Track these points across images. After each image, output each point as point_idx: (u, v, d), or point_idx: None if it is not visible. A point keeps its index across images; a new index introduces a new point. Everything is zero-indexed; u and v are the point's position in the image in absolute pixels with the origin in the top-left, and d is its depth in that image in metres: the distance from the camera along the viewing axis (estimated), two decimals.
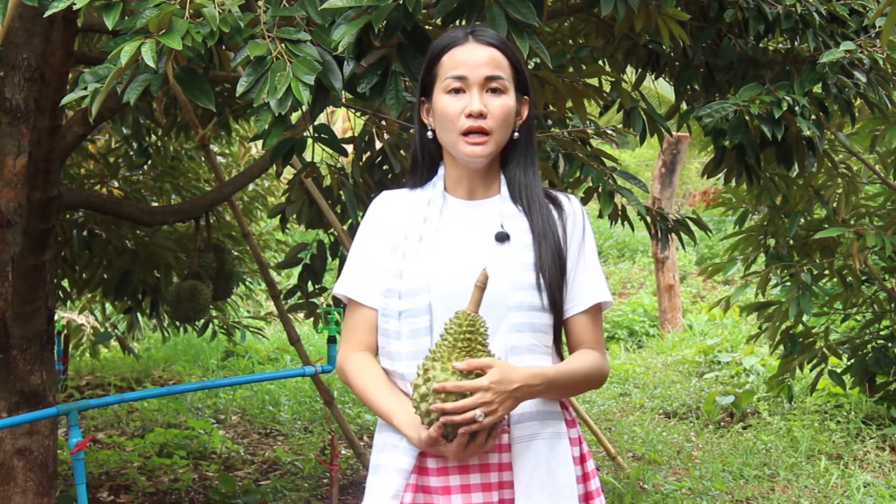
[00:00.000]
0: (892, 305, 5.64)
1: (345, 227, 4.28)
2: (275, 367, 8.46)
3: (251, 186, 5.78)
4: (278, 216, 4.22)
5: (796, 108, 3.40)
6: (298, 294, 4.64)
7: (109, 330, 7.08)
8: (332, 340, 3.93)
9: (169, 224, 4.75)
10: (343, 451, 5.59)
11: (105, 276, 5.09)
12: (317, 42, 2.24)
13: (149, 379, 7.93)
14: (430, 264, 1.97)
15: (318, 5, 2.26)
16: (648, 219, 4.04)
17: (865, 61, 3.44)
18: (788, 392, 5.85)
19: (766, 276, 5.02)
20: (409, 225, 2.02)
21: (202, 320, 5.46)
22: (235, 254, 5.70)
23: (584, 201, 3.46)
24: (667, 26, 3.14)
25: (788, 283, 4.92)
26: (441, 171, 2.06)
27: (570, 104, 3.47)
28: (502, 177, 2.05)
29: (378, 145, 4.27)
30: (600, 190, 3.48)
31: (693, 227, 4.15)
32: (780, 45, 3.94)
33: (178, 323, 5.85)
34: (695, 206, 12.35)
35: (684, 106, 4.03)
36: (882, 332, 5.86)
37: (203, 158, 5.59)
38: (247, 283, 6.36)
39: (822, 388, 6.60)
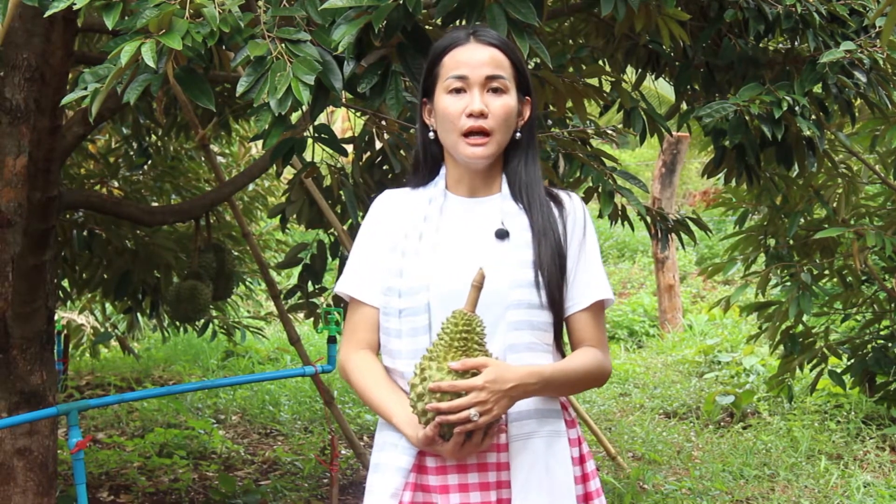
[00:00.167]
0: (892, 305, 5.65)
1: (345, 227, 4.28)
2: (275, 367, 8.46)
3: (251, 186, 5.78)
4: (278, 216, 4.22)
5: (796, 108, 3.40)
6: (298, 294, 4.64)
7: (109, 330, 7.08)
8: (331, 340, 3.93)
9: (169, 224, 4.75)
10: (343, 451, 5.59)
11: (105, 276, 5.09)
12: (317, 42, 2.24)
13: (149, 379, 7.93)
14: (429, 263, 1.97)
15: (318, 5, 2.26)
16: (648, 219, 4.04)
17: (865, 61, 3.44)
18: (788, 392, 5.85)
19: (766, 276, 5.02)
20: (410, 223, 2.03)
21: (202, 320, 5.46)
22: (235, 254, 5.70)
23: (585, 201, 3.46)
24: (667, 26, 3.14)
25: (788, 283, 4.92)
26: (443, 170, 2.07)
27: (570, 104, 3.47)
28: (504, 175, 2.05)
29: (378, 145, 4.27)
30: (600, 190, 3.48)
31: (693, 227, 4.15)
32: (780, 45, 3.94)
33: (178, 323, 5.85)
34: (695, 206, 12.35)
35: (684, 106, 4.03)
36: (882, 332, 5.86)
37: (203, 158, 5.59)
38: (247, 283, 6.36)
39: (822, 388, 6.60)
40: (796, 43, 3.76)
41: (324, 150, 3.24)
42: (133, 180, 5.45)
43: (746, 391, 6.77)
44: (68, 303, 6.26)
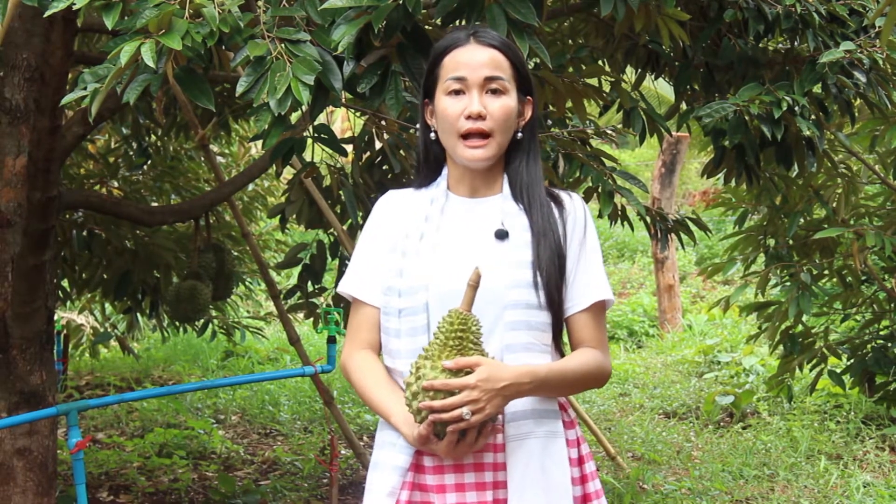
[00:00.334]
0: (892, 305, 5.65)
1: (344, 227, 4.28)
2: (274, 367, 8.46)
3: (251, 186, 5.77)
4: (278, 216, 4.22)
5: (796, 108, 3.40)
6: (298, 294, 4.64)
7: (109, 330, 7.08)
8: (331, 340, 3.93)
9: (169, 224, 4.75)
10: (343, 451, 5.59)
11: (105, 276, 5.09)
12: (317, 42, 2.24)
13: (148, 379, 7.93)
14: (429, 263, 1.98)
15: (318, 5, 2.26)
16: (648, 219, 4.04)
17: (865, 61, 3.44)
18: (788, 392, 5.85)
19: (765, 276, 5.02)
20: (411, 223, 2.04)
21: (202, 320, 5.46)
22: (235, 254, 5.70)
23: (584, 201, 3.46)
24: (667, 26, 3.14)
25: (788, 283, 4.92)
26: (445, 170, 2.08)
27: (569, 104, 3.47)
28: (505, 175, 2.05)
29: (378, 145, 4.27)
30: (600, 190, 3.48)
31: (693, 227, 4.15)
32: (780, 45, 3.94)
33: (177, 323, 5.85)
34: (694, 206, 12.35)
35: (684, 106, 4.03)
36: (882, 332, 5.86)
37: (203, 158, 5.59)
38: (247, 283, 6.36)
39: (822, 388, 6.60)
40: (796, 43, 3.76)
41: (323, 150, 3.24)
42: (133, 180, 5.45)
43: (746, 391, 6.77)
44: (68, 303, 6.26)
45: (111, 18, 2.16)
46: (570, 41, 4.18)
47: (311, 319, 4.94)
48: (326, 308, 4.27)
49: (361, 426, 6.42)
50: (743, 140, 3.53)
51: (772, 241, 5.15)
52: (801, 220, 4.77)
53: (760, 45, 3.75)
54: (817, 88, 3.65)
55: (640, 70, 3.98)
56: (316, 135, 3.03)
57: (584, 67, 3.61)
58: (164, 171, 5.52)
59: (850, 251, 4.62)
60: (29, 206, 3.44)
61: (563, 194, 2.07)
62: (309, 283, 4.57)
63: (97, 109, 2.15)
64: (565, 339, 2.05)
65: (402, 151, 4.17)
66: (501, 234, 1.99)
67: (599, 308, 2.03)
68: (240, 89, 2.18)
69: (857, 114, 4.22)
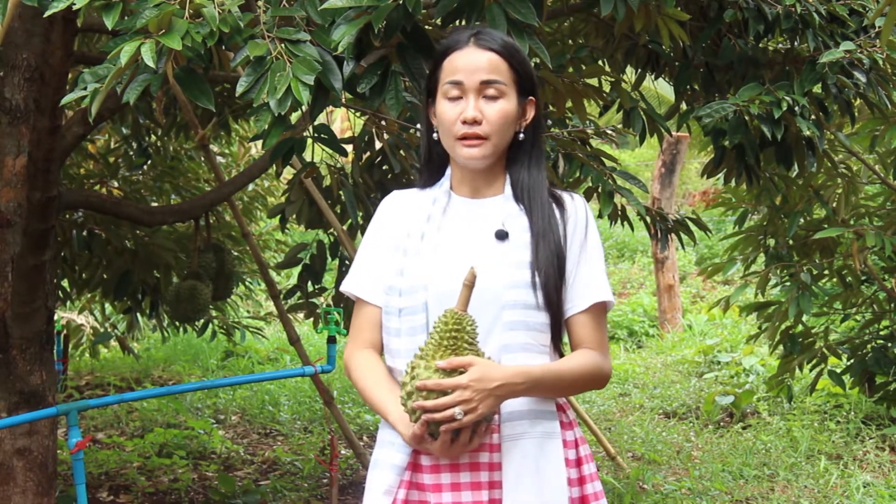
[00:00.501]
0: (892, 305, 5.65)
1: (344, 227, 4.28)
2: (274, 367, 8.46)
3: (251, 186, 5.77)
4: (278, 216, 4.22)
5: (796, 108, 3.40)
6: (298, 294, 4.64)
7: (109, 330, 7.08)
8: (331, 340, 3.93)
9: (169, 224, 4.75)
10: (343, 451, 5.59)
11: (105, 276, 5.09)
12: (316, 42, 2.24)
13: (148, 379, 7.93)
14: (429, 262, 1.99)
15: (318, 5, 2.26)
16: (648, 219, 4.04)
17: (865, 61, 3.44)
18: (788, 392, 5.85)
19: (765, 276, 5.02)
20: (413, 223, 2.05)
21: (202, 320, 5.45)
22: (235, 254, 5.69)
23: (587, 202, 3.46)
24: (666, 26, 3.14)
25: (788, 283, 4.92)
26: (448, 171, 2.08)
27: (569, 104, 3.47)
28: (507, 176, 2.05)
29: (378, 145, 4.27)
30: (600, 190, 3.48)
31: (693, 227, 4.15)
32: (780, 45, 3.94)
33: (177, 323, 5.85)
34: (694, 206, 12.35)
35: (684, 106, 4.03)
36: (882, 332, 5.86)
37: (203, 158, 5.59)
38: (246, 283, 6.36)
39: (822, 388, 6.60)
40: (796, 43, 3.76)
41: (323, 150, 3.24)
42: (133, 180, 5.45)
43: (746, 391, 6.77)
44: (68, 303, 6.26)
45: (111, 18, 2.16)
46: (570, 41, 4.18)
47: (311, 319, 4.94)
48: (326, 308, 4.28)
49: (361, 426, 6.42)
50: (743, 140, 3.53)
51: (772, 241, 5.15)
52: (801, 220, 4.77)
53: (760, 45, 3.75)
54: (817, 88, 3.65)
55: (640, 70, 3.98)
56: (316, 135, 3.03)
57: (584, 67, 3.61)
58: (164, 171, 5.52)
59: (850, 251, 4.62)
60: (29, 206, 3.44)
61: (565, 195, 2.07)
62: (309, 283, 4.57)
63: (97, 109, 2.15)
64: (566, 339, 2.05)
65: (402, 151, 4.17)
66: (501, 235, 1.99)
67: (599, 309, 2.02)
68: (240, 89, 2.18)
69: (857, 114, 4.22)
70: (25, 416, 3.35)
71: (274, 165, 4.00)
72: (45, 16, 2.23)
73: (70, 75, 3.65)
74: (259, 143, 4.46)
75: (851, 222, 4.83)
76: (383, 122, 4.10)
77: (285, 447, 5.95)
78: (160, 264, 5.05)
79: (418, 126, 4.00)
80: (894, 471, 5.37)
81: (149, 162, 5.47)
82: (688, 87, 3.85)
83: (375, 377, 2.01)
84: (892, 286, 5.43)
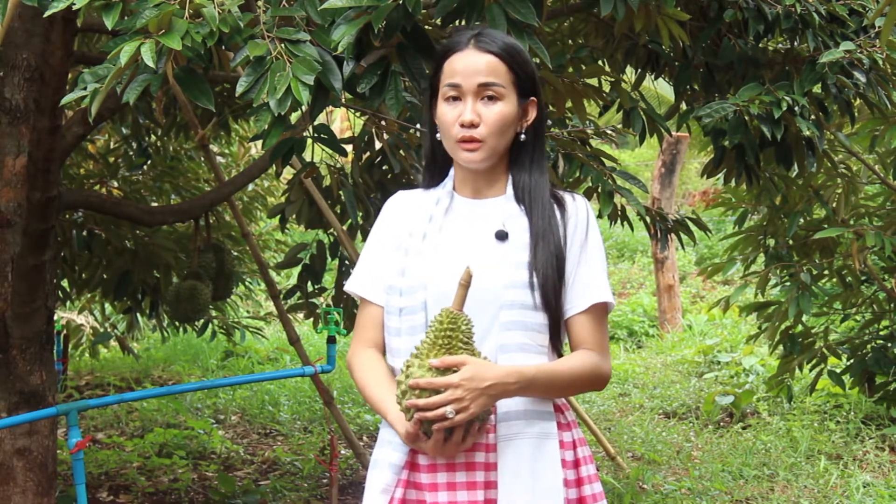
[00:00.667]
0: (892, 305, 5.65)
1: (344, 227, 4.28)
2: (274, 367, 8.46)
3: (251, 186, 5.77)
4: (278, 216, 4.22)
5: (796, 108, 3.40)
6: (298, 294, 4.64)
7: (109, 330, 7.08)
8: (331, 340, 3.93)
9: (169, 224, 4.75)
10: (343, 451, 5.59)
11: (105, 276, 5.09)
12: (316, 42, 2.24)
13: (148, 379, 7.93)
14: (429, 262, 2.00)
15: (317, 5, 2.26)
16: (648, 219, 4.04)
17: (865, 61, 3.44)
18: (788, 392, 5.85)
19: (765, 276, 5.02)
20: (415, 223, 2.06)
21: (202, 320, 5.45)
22: (235, 254, 5.69)
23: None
24: (666, 26, 3.14)
25: (788, 283, 4.92)
26: (452, 171, 2.09)
27: (569, 104, 3.47)
28: (510, 176, 2.05)
29: (377, 145, 4.27)
30: (600, 190, 3.48)
31: (692, 227, 4.15)
32: (780, 45, 3.94)
33: (177, 323, 5.85)
34: (694, 206, 12.35)
35: (684, 106, 4.03)
36: (882, 332, 5.86)
37: (203, 158, 5.59)
38: (246, 283, 6.35)
39: (822, 388, 6.60)
40: (796, 43, 3.76)
41: (323, 150, 3.24)
42: (133, 180, 5.45)
43: (746, 391, 6.76)
44: (68, 303, 6.26)
45: (111, 18, 2.16)
46: (570, 41, 4.18)
47: (311, 319, 4.94)
48: (326, 308, 4.28)
49: (361, 426, 6.42)
50: (743, 140, 3.53)
51: (772, 241, 5.15)
52: (801, 220, 4.77)
53: (760, 45, 3.75)
54: (817, 88, 3.65)
55: (640, 70, 3.98)
56: (316, 135, 3.03)
57: (584, 67, 3.61)
58: (164, 171, 5.52)
59: (850, 251, 4.62)
60: (29, 206, 3.44)
61: (566, 196, 2.07)
62: (309, 283, 4.57)
63: (97, 109, 2.15)
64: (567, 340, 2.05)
65: (402, 151, 4.18)
66: (501, 236, 2.00)
67: (599, 310, 2.02)
68: (240, 89, 2.18)
69: (857, 114, 4.22)
70: (25, 416, 3.35)
71: (274, 165, 4.00)
72: (45, 16, 2.23)
73: (70, 75, 3.65)
74: (259, 143, 4.47)
75: (851, 222, 4.83)
76: (383, 122, 4.10)
77: (285, 447, 5.95)
78: (160, 264, 5.05)
79: (418, 126, 4.02)
80: (894, 471, 5.37)
81: (149, 162, 5.47)
82: (688, 87, 3.85)
83: (376, 376, 2.01)
84: (892, 286, 5.43)
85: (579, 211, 2.04)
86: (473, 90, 1.98)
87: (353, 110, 4.37)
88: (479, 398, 1.84)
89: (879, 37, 3.47)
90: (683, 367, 8.30)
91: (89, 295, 6.06)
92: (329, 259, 4.55)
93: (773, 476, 5.32)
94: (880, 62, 3.45)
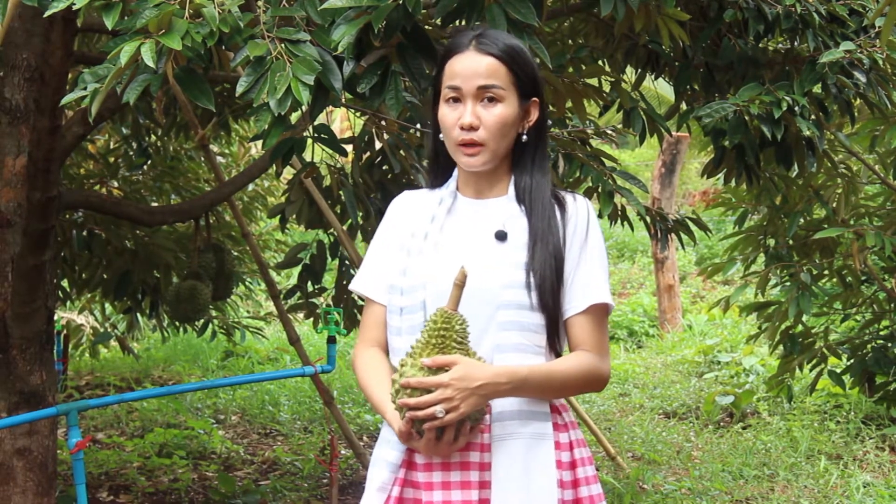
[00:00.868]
0: (892, 305, 5.65)
1: (344, 227, 4.28)
2: (274, 367, 8.46)
3: (251, 186, 5.77)
4: (278, 216, 4.22)
5: (796, 108, 3.40)
6: (298, 294, 4.64)
7: (109, 330, 7.07)
8: (331, 340, 3.93)
9: (169, 224, 4.75)
10: (343, 451, 5.59)
11: (105, 276, 5.09)
12: (316, 42, 2.24)
13: (148, 379, 7.93)
14: (430, 262, 2.00)
15: (317, 5, 2.26)
16: (648, 219, 4.04)
17: (865, 61, 3.44)
18: (788, 392, 5.85)
19: (765, 276, 5.02)
20: (418, 223, 2.07)
21: (202, 320, 5.46)
22: (235, 254, 5.69)
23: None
24: (666, 26, 3.14)
25: (788, 283, 4.92)
26: (456, 171, 2.09)
27: (569, 104, 3.47)
28: (512, 177, 2.06)
29: (378, 145, 4.27)
30: (600, 190, 3.48)
31: (693, 227, 4.15)
32: (780, 45, 3.94)
33: (177, 323, 5.85)
34: (694, 206, 12.35)
35: (684, 106, 4.03)
36: (882, 332, 5.86)
37: (203, 158, 5.59)
38: (247, 283, 6.36)
39: (822, 388, 6.60)
40: (796, 43, 3.76)
41: (323, 150, 3.24)
42: (133, 180, 5.45)
43: (746, 391, 6.77)
44: (68, 303, 6.26)
45: (111, 18, 2.16)
46: (570, 41, 4.18)
47: (311, 319, 4.94)
48: (326, 308, 4.28)
49: (361, 426, 6.42)
50: (743, 140, 3.53)
51: (772, 241, 5.15)
52: (801, 220, 4.77)
53: (760, 45, 3.75)
54: (817, 88, 3.65)
55: (640, 70, 3.98)
56: (316, 135, 3.03)
57: (584, 67, 3.61)
58: (164, 171, 5.52)
59: (850, 251, 4.62)
60: (29, 206, 3.44)
61: (568, 196, 2.07)
62: (309, 283, 4.57)
63: (97, 109, 2.15)
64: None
65: (402, 151, 4.17)
66: (501, 236, 2.00)
67: (598, 311, 2.01)
68: (240, 89, 2.18)
69: (857, 114, 4.22)
70: (25, 416, 3.35)
71: (274, 165, 4.00)
72: (45, 16, 2.23)
73: (70, 75, 3.65)
74: (259, 143, 4.47)
75: (851, 222, 4.83)
76: (383, 122, 4.10)
77: (285, 447, 5.95)
78: (160, 264, 5.05)
79: (418, 126, 4.02)
80: (894, 471, 5.37)
81: (149, 162, 5.47)
82: (688, 87, 3.84)
83: (377, 375, 2.02)
84: (892, 286, 5.43)
85: (580, 211, 2.04)
86: (473, 92, 1.98)
87: (353, 110, 4.37)
88: (469, 398, 1.84)
89: (879, 37, 3.47)
90: (683, 367, 8.30)
91: (89, 295, 6.06)
92: (329, 259, 4.55)
93: (774, 476, 5.32)
94: (880, 62, 3.45)
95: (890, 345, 5.75)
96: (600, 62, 3.96)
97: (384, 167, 4.28)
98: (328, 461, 4.10)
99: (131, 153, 5.43)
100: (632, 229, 4.33)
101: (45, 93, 3.18)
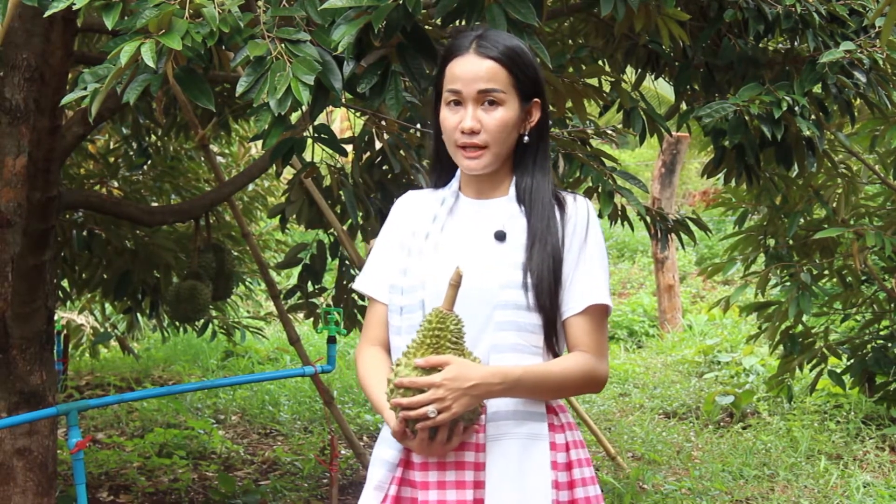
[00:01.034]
0: (892, 305, 5.64)
1: (344, 227, 4.28)
2: (275, 367, 8.46)
3: (251, 186, 5.77)
4: (278, 216, 4.22)
5: (796, 108, 3.40)
6: (298, 294, 4.64)
7: (109, 330, 7.07)
8: (331, 340, 3.93)
9: (169, 224, 4.75)
10: (343, 451, 5.59)
11: (105, 276, 5.09)
12: (317, 42, 2.24)
13: (148, 379, 7.93)
14: (429, 262, 2.01)
15: (318, 5, 2.26)
16: (648, 219, 4.04)
17: (865, 61, 3.44)
18: (788, 392, 5.85)
19: (765, 276, 5.02)
20: (420, 223, 2.08)
21: (202, 320, 5.45)
22: (235, 254, 5.69)
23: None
24: (666, 26, 3.14)
25: (788, 283, 4.92)
26: (459, 171, 2.09)
27: (569, 104, 3.47)
28: (513, 178, 2.06)
29: (378, 145, 4.27)
30: (600, 190, 3.48)
31: (693, 227, 4.15)
32: (780, 45, 3.94)
33: (177, 323, 5.85)
34: (695, 206, 12.35)
35: (684, 106, 4.03)
36: (882, 332, 5.86)
37: (203, 158, 5.59)
38: (247, 283, 6.36)
39: (822, 388, 6.60)
40: (796, 43, 3.76)
41: (323, 150, 3.24)
42: (133, 180, 5.45)
43: (746, 391, 6.76)
44: (68, 303, 6.26)
45: (111, 18, 2.16)
46: (570, 41, 4.18)
47: (311, 319, 4.94)
48: (326, 308, 4.28)
49: (361, 426, 6.42)
50: (743, 140, 3.53)
51: (772, 241, 5.15)
52: (801, 220, 4.77)
53: (760, 45, 3.75)
54: (817, 88, 3.65)
55: (640, 70, 3.98)
56: (316, 135, 3.03)
57: (584, 67, 3.61)
58: (164, 171, 5.52)
59: (850, 251, 4.62)
60: (29, 206, 3.44)
61: (568, 197, 2.06)
62: (309, 283, 4.57)
63: (97, 109, 2.15)
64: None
65: (402, 151, 4.17)
66: (500, 236, 2.00)
67: (596, 312, 2.00)
68: (240, 89, 2.18)
69: (857, 114, 4.22)
70: (25, 416, 3.35)
71: (274, 165, 4.00)
72: (45, 16, 2.23)
73: (70, 75, 3.65)
74: (259, 143, 4.47)
75: (851, 222, 4.83)
76: (383, 122, 4.10)
77: (285, 447, 5.95)
78: (160, 264, 5.05)
79: (418, 126, 4.02)
80: (894, 471, 5.37)
81: (149, 162, 5.47)
82: (688, 87, 3.84)
83: (378, 374, 2.03)
84: (892, 286, 5.43)
85: (579, 212, 2.04)
86: (474, 96, 1.98)
87: (353, 110, 4.37)
88: (461, 398, 1.85)
89: (879, 37, 3.47)
90: (683, 367, 8.30)
91: (89, 295, 6.06)
92: (329, 259, 4.55)
93: (774, 476, 5.32)
94: (880, 62, 3.45)
95: (890, 345, 5.75)
96: (600, 62, 3.96)
97: (384, 167, 4.28)
98: (328, 461, 4.10)
99: (131, 153, 5.43)
100: (632, 229, 4.33)
101: (45, 93, 3.18)
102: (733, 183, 4.04)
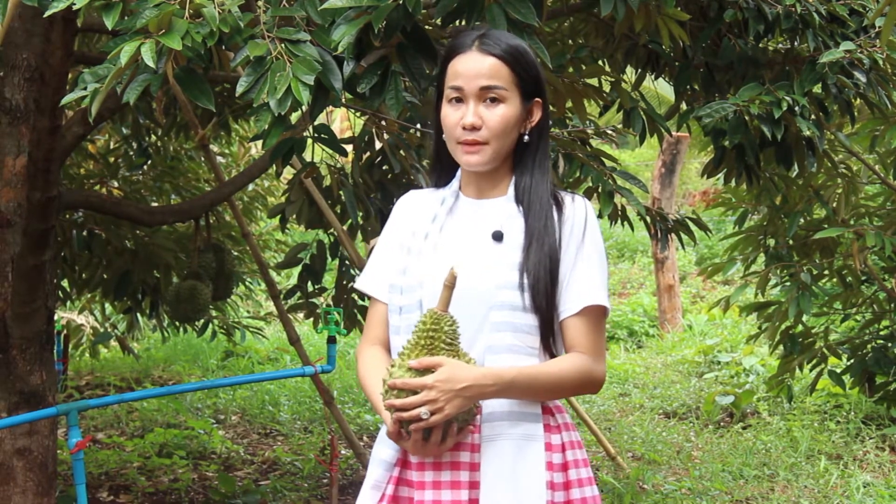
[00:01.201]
0: (892, 305, 5.65)
1: (344, 227, 4.28)
2: (275, 367, 8.46)
3: (251, 186, 5.77)
4: (278, 216, 4.22)
5: (796, 108, 3.40)
6: (298, 294, 4.64)
7: (109, 330, 7.07)
8: (331, 340, 3.93)
9: (169, 224, 4.75)
10: (343, 451, 5.59)
11: (105, 276, 5.09)
12: (317, 42, 2.24)
13: (148, 379, 7.93)
14: (428, 262, 2.01)
15: (318, 5, 2.26)
16: (648, 219, 4.04)
17: (865, 61, 3.44)
18: (788, 392, 5.85)
19: (765, 276, 5.02)
20: (420, 223, 2.08)
21: (202, 320, 5.45)
22: (235, 254, 5.69)
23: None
24: (666, 26, 3.14)
25: (788, 283, 4.92)
26: (459, 171, 2.10)
27: (569, 104, 3.47)
28: (513, 177, 2.06)
29: (378, 145, 4.27)
30: (600, 190, 3.48)
31: (693, 227, 4.15)
32: (780, 45, 3.94)
33: (177, 323, 5.85)
34: (695, 206, 12.35)
35: (684, 106, 4.03)
36: (882, 332, 5.86)
37: (203, 158, 5.59)
38: (247, 283, 6.35)
39: (822, 388, 6.60)
40: (796, 43, 3.76)
41: (323, 150, 3.24)
42: (133, 180, 5.45)
43: (746, 391, 6.76)
44: (68, 303, 6.26)
45: (111, 18, 2.16)
46: (570, 41, 4.18)
47: (311, 319, 4.94)
48: (326, 308, 4.28)
49: (361, 426, 6.42)
50: (743, 140, 3.53)
51: (772, 241, 5.15)
52: (801, 220, 4.77)
53: (760, 45, 3.75)
54: (817, 88, 3.65)
55: (640, 70, 3.98)
56: (316, 135, 3.03)
57: (584, 67, 3.61)
58: (164, 171, 5.52)
59: (850, 251, 4.62)
60: (29, 206, 3.44)
61: (567, 197, 2.06)
62: (309, 283, 4.57)
63: (97, 109, 2.15)
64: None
65: (402, 151, 4.17)
66: (497, 236, 2.00)
67: (593, 313, 2.00)
68: (240, 89, 2.18)
69: (857, 114, 4.22)
70: (25, 416, 3.35)
71: (274, 165, 4.00)
72: (45, 16, 2.23)
73: (70, 75, 3.65)
74: (259, 143, 4.47)
75: (851, 222, 4.83)
76: (383, 122, 4.10)
77: (285, 447, 5.95)
78: (160, 264, 5.05)
79: (418, 126, 4.02)
80: (894, 471, 5.37)
81: (149, 162, 5.47)
82: (688, 87, 3.84)
83: (377, 374, 2.02)
84: (892, 286, 5.43)
85: (577, 212, 2.03)
86: (475, 93, 1.98)
87: (353, 110, 4.37)
88: (453, 399, 1.85)
89: (879, 37, 3.47)
90: (683, 367, 8.30)
91: (89, 295, 6.06)
92: (329, 259, 4.55)
93: (774, 476, 5.32)
94: (880, 62, 3.45)
95: (890, 345, 5.75)
96: (600, 62, 3.96)
97: (384, 167, 4.28)
98: (328, 461, 4.10)
99: (131, 153, 5.43)
100: (632, 229, 4.33)
101: (45, 93, 3.18)
102: (733, 183, 4.04)
